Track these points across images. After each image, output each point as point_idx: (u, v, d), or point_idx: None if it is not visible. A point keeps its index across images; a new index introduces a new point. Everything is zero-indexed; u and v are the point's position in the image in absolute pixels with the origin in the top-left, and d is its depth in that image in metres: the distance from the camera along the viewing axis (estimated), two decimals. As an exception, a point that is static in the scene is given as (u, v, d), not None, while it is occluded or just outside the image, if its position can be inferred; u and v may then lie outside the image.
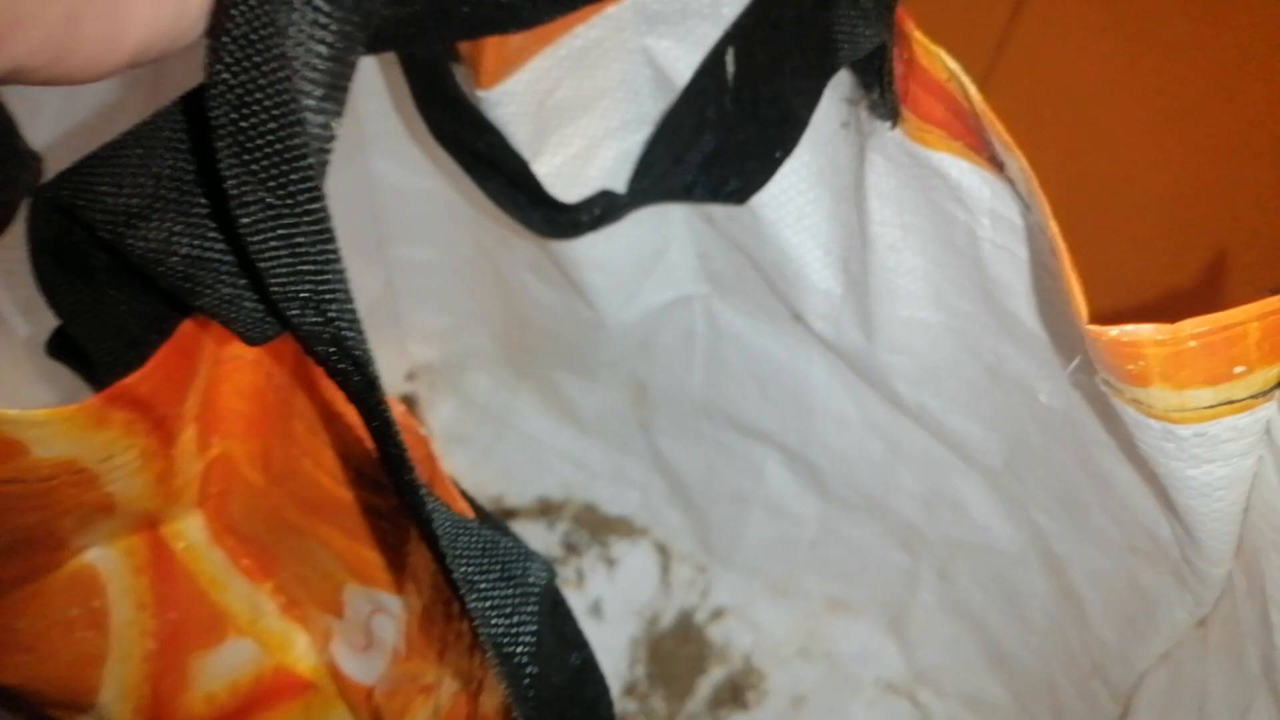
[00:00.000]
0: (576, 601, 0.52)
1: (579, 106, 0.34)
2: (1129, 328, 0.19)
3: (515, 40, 0.30)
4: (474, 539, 0.21)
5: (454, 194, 0.45)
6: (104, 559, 0.29)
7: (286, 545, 0.31)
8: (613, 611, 0.52)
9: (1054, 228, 0.20)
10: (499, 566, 0.21)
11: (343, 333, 0.17)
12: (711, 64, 0.30)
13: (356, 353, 0.17)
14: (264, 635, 0.33)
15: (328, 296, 0.17)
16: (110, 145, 0.19)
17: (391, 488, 0.24)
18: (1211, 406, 0.21)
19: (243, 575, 0.32)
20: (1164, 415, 0.21)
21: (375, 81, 0.42)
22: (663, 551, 0.54)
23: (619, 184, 0.35)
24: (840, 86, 0.28)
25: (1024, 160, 0.21)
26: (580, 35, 0.31)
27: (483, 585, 0.20)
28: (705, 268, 0.42)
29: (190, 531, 0.31)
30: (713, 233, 0.39)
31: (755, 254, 0.38)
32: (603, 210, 0.33)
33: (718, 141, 0.31)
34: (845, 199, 0.32)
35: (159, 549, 0.30)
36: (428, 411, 0.57)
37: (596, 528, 0.54)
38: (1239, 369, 0.20)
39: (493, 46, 0.29)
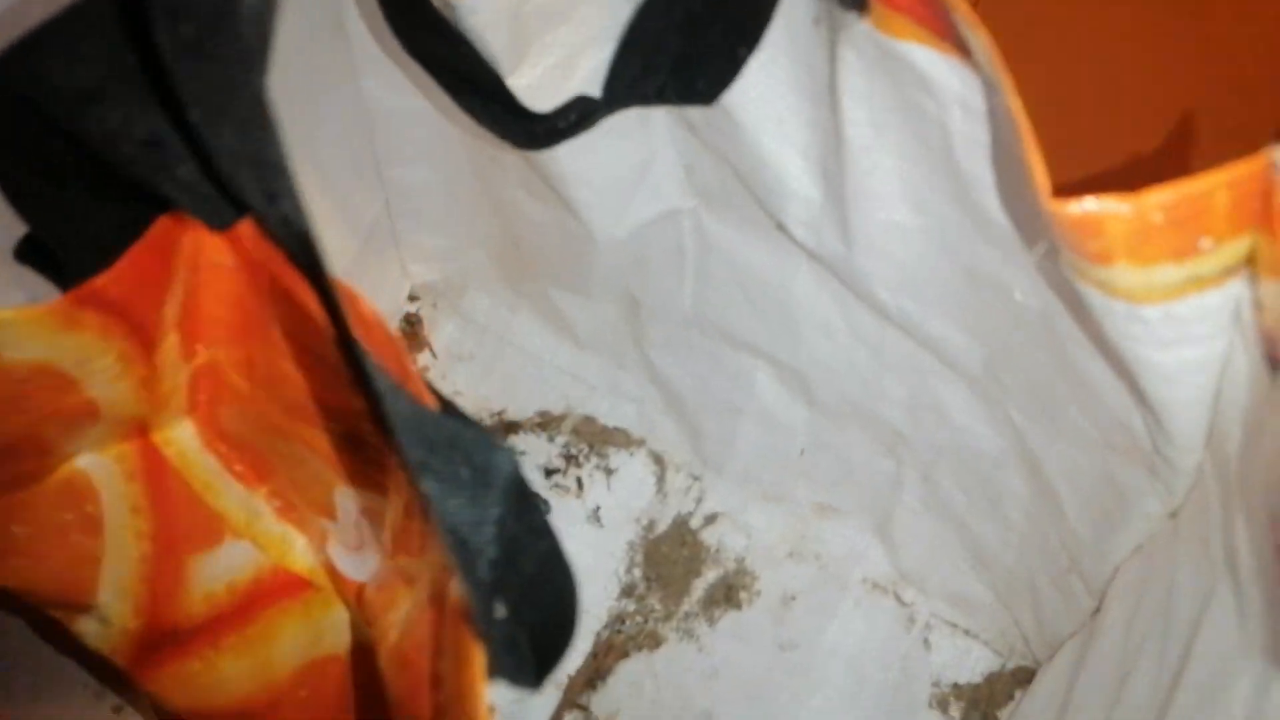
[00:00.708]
0: (576, 509, 0.52)
1: (557, 14, 0.32)
2: (1089, 202, 0.18)
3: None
4: (436, 427, 0.20)
5: (443, 113, 0.43)
6: (95, 465, 0.28)
7: (277, 450, 0.30)
8: (611, 518, 0.52)
9: (1015, 103, 0.19)
10: (460, 453, 0.20)
11: (284, 207, 0.15)
12: (680, -40, 0.28)
13: (300, 230, 0.16)
14: (261, 538, 0.32)
15: (269, 170, 0.15)
16: (52, 22, 0.17)
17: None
18: (1179, 284, 0.20)
19: (237, 480, 0.31)
20: (1129, 295, 0.20)
21: (365, 1, 0.40)
22: (658, 461, 0.53)
23: (597, 92, 0.34)
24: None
25: (986, 37, 0.20)
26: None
27: (441, 470, 0.19)
28: (691, 180, 0.41)
29: (181, 438, 0.30)
30: (696, 143, 0.38)
31: (736, 162, 0.36)
32: (579, 116, 0.32)
33: (685, 42, 0.29)
34: (821, 102, 0.30)
35: (150, 455, 0.29)
36: (431, 331, 0.56)
37: (595, 439, 0.53)
38: (1206, 242, 0.18)
39: (460, -53, 0.27)
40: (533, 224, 0.47)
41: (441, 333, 0.56)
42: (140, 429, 0.29)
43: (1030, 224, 0.26)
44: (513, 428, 0.54)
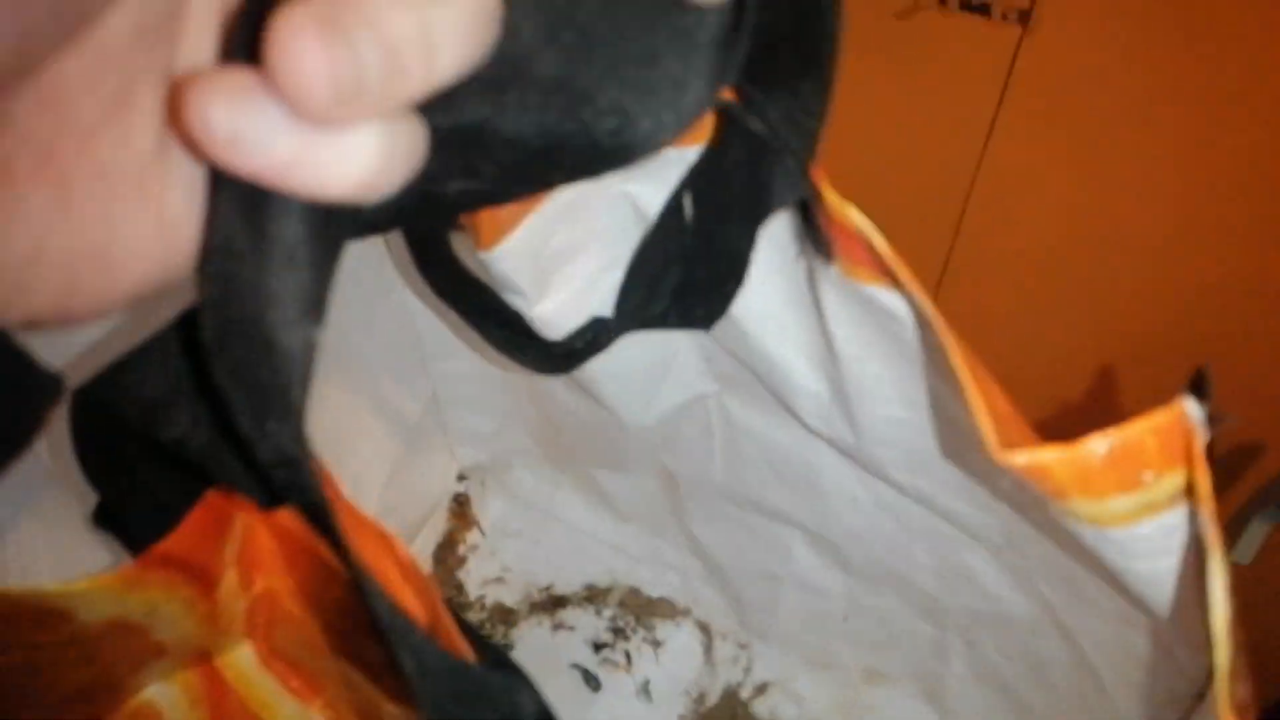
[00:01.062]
0: (626, 683, 0.53)
1: (574, 249, 0.36)
2: (1034, 453, 0.20)
3: (507, 206, 0.31)
4: (463, 679, 0.22)
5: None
6: (162, 694, 0.30)
7: (327, 669, 0.32)
8: (661, 691, 0.52)
9: (960, 362, 0.21)
10: (486, 701, 0.21)
11: (311, 499, 0.18)
12: (673, 205, 0.31)
13: (326, 522, 0.18)
14: (316, 749, 0.34)
15: (301, 476, 0.18)
16: (134, 351, 0.21)
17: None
18: (1134, 510, 0.21)
19: (293, 696, 0.33)
20: (1094, 521, 0.22)
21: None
22: (705, 630, 0.54)
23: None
24: (792, 224, 0.29)
25: (929, 305, 0.22)
26: (566, 190, 0.32)
27: (465, 718, 0.21)
28: (712, 369, 0.43)
29: (241, 660, 0.32)
30: (711, 341, 0.40)
31: (748, 361, 0.38)
32: (594, 336, 0.35)
33: (683, 275, 0.32)
34: (814, 316, 0.33)
35: (213, 679, 0.32)
36: (479, 509, 0.58)
37: (641, 610, 0.55)
38: (1148, 475, 0.20)
39: (487, 214, 0.31)
40: (567, 411, 0.49)
41: (490, 510, 0.58)
42: (203, 656, 0.31)
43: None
44: (560, 602, 0.55)
